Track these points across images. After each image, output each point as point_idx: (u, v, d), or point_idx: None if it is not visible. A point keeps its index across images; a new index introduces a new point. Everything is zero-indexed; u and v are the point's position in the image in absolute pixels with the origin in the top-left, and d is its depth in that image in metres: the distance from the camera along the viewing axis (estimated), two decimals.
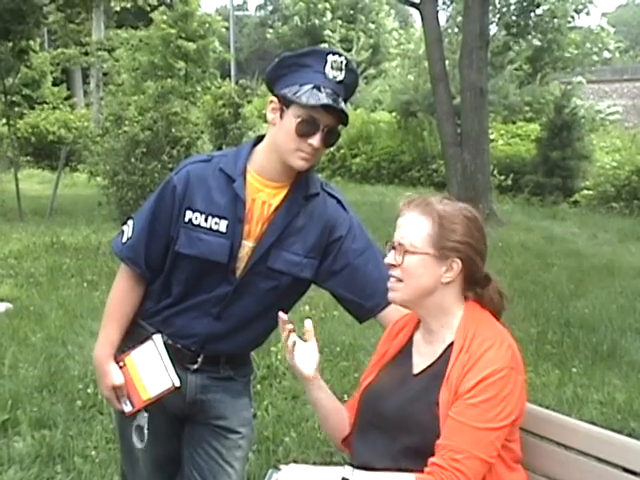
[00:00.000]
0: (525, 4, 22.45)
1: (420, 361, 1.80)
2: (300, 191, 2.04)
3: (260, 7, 46.90)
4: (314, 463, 2.17)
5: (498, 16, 22.26)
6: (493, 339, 1.69)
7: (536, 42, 22.14)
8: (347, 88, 1.98)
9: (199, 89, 18.86)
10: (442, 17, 23.53)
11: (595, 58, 24.92)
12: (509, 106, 18.59)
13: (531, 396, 2.20)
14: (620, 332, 5.85)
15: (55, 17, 18.22)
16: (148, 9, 21.98)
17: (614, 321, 6.15)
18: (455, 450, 1.60)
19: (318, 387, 1.91)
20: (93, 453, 3.56)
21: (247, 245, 2.02)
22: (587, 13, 27.34)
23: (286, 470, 1.67)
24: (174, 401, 2.10)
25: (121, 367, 2.10)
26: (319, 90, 1.91)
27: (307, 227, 2.04)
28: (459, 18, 19.96)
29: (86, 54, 23.27)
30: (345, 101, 1.97)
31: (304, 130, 1.92)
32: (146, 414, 2.10)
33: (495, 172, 14.92)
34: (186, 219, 2.02)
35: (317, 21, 33.62)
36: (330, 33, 29.36)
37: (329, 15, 33.46)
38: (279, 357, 4.73)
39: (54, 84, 25.89)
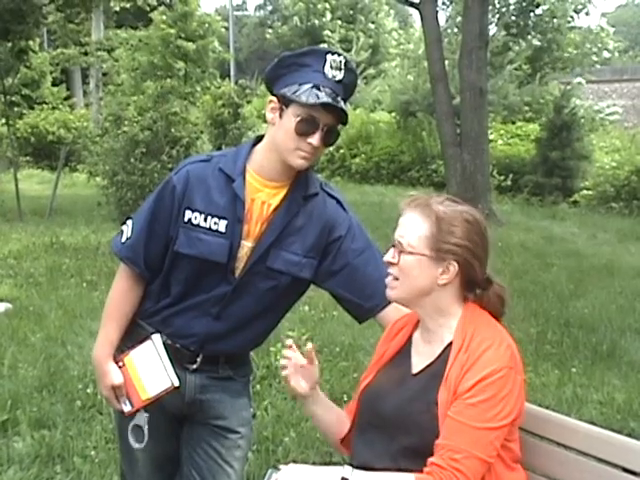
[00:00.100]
0: (524, 4, 22.48)
1: (419, 361, 1.79)
2: (299, 191, 2.04)
3: (259, 7, 46.93)
4: (313, 463, 2.17)
5: (497, 16, 22.29)
6: (492, 339, 1.69)
7: (536, 42, 22.18)
8: (346, 88, 1.98)
9: (198, 89, 18.85)
10: (442, 17, 23.58)
11: (595, 58, 24.95)
12: (508, 106, 18.60)
13: (531, 396, 2.20)
14: (620, 332, 5.86)
15: (54, 17, 18.18)
16: (147, 9, 21.98)
17: (613, 321, 6.16)
18: (454, 450, 1.60)
19: (313, 402, 1.92)
20: (92, 453, 3.56)
21: (246, 245, 2.02)
22: (587, 13, 27.45)
23: (285, 470, 1.67)
24: (173, 401, 2.10)
25: (120, 367, 2.10)
26: (318, 89, 1.91)
27: (306, 227, 2.04)
28: (459, 18, 20.00)
29: (85, 54, 23.26)
30: (344, 101, 1.97)
31: (304, 129, 1.92)
32: (146, 414, 2.10)
33: (494, 172, 14.94)
34: (185, 219, 2.02)
35: (317, 21, 33.63)
36: (330, 33, 29.35)
37: (329, 15, 33.47)
38: (278, 357, 4.70)
39: (53, 84, 25.88)
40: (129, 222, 2.14)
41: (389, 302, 1.97)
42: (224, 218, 2.00)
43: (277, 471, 1.68)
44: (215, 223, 2.00)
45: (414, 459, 1.66)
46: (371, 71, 26.67)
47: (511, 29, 22.18)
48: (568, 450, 1.82)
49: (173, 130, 9.29)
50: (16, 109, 20.72)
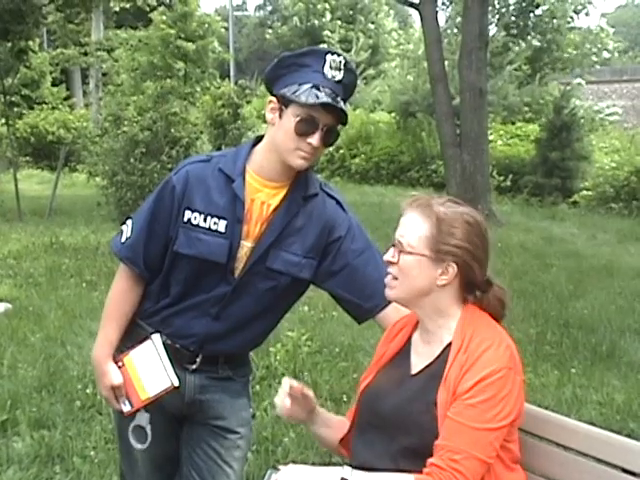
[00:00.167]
0: (524, 4, 22.49)
1: (418, 361, 1.79)
2: (299, 191, 2.04)
3: (259, 7, 46.91)
4: (313, 463, 2.17)
5: (497, 17, 22.31)
6: (491, 339, 1.69)
7: (535, 43, 22.18)
8: (346, 88, 1.98)
9: (198, 89, 18.86)
10: (441, 18, 23.61)
11: (594, 59, 24.97)
12: (508, 107, 18.60)
13: (530, 397, 2.20)
14: (619, 333, 5.86)
15: (54, 17, 18.21)
16: (147, 9, 21.99)
17: (613, 322, 6.15)
18: (454, 451, 1.60)
19: (313, 423, 1.93)
20: (92, 453, 3.56)
21: (246, 245, 2.02)
22: (586, 14, 27.47)
23: (285, 470, 1.67)
24: (173, 401, 2.10)
25: (120, 367, 2.10)
26: (318, 89, 1.91)
27: (306, 227, 2.04)
28: (458, 19, 20.01)
29: (85, 54, 23.27)
30: (344, 101, 1.97)
31: (303, 129, 1.92)
32: (147, 414, 2.10)
33: (494, 173, 14.94)
34: (185, 219, 2.02)
35: (316, 21, 33.62)
36: (329, 33, 29.35)
37: (328, 15, 33.46)
38: (278, 358, 4.73)
39: (53, 84, 25.88)
40: (129, 222, 2.14)
41: (388, 303, 1.97)
42: (224, 218, 2.00)
43: (276, 472, 1.68)
44: (215, 223, 2.00)
45: (414, 459, 1.66)
46: (371, 71, 26.68)
47: (511, 29, 22.20)
48: (567, 451, 1.82)
49: (173, 130, 9.30)
50: (16, 109, 20.72)
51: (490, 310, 1.80)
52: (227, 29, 26.63)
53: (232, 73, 27.28)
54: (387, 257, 1.79)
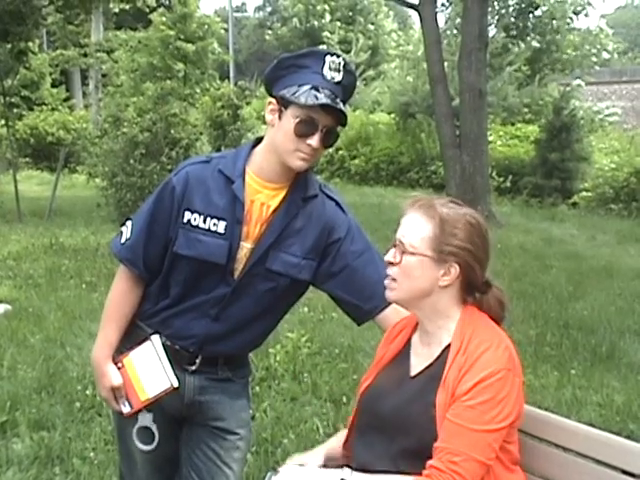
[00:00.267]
0: (524, 6, 22.52)
1: (417, 363, 1.79)
2: (298, 193, 2.04)
3: (259, 9, 46.97)
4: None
5: (497, 18, 22.33)
6: (490, 341, 1.69)
7: (535, 44, 22.21)
8: (345, 89, 1.98)
9: (198, 90, 18.89)
10: (441, 19, 23.57)
11: (594, 60, 24.97)
12: (508, 108, 18.61)
13: (530, 398, 2.20)
14: (619, 334, 5.86)
15: (54, 18, 18.22)
16: (147, 11, 22.02)
17: (613, 323, 6.15)
18: (453, 452, 1.60)
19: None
20: (92, 454, 3.56)
21: (245, 246, 2.02)
22: (586, 15, 27.50)
23: (284, 471, 1.67)
24: (172, 402, 2.10)
25: (119, 368, 2.10)
26: (317, 91, 1.91)
27: (306, 228, 2.04)
28: (458, 20, 20.03)
29: (85, 55, 23.28)
30: (343, 102, 1.97)
31: (303, 130, 1.92)
32: (149, 414, 2.10)
33: (494, 174, 14.94)
34: (185, 220, 2.02)
35: (316, 23, 33.61)
36: (329, 35, 29.36)
37: (328, 17, 33.45)
38: (277, 359, 4.73)
39: (53, 85, 25.89)
40: (128, 223, 2.14)
41: (388, 304, 1.97)
42: (223, 219, 2.00)
43: (276, 473, 1.68)
44: (214, 224, 2.00)
45: (413, 461, 1.66)
46: (370, 72, 26.65)
47: (510, 31, 22.22)
48: (567, 452, 1.82)
49: (172, 131, 9.31)
50: (15, 110, 20.71)
51: (490, 312, 1.80)
52: (227, 30, 26.63)
53: (232, 74, 27.29)
54: (388, 258, 1.79)
